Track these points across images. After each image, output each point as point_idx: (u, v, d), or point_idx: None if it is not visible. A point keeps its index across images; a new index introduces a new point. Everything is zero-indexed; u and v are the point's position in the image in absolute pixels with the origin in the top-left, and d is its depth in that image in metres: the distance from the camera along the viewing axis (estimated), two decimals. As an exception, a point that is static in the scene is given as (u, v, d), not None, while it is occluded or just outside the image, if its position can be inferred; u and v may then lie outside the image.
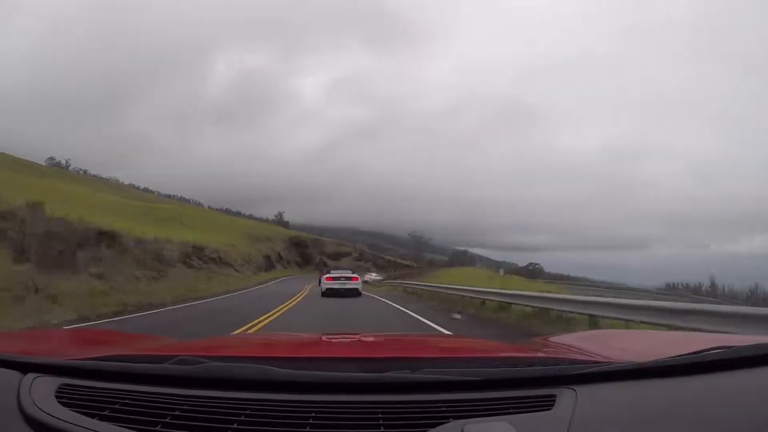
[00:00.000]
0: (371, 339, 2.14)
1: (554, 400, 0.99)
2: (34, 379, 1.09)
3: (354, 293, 19.09)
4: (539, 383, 1.07)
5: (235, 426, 0.91)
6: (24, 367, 1.15)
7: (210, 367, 1.08)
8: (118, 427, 0.93)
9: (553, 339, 1.87)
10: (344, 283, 19.57)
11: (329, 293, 18.62)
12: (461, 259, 71.99)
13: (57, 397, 1.03)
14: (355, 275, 20.65)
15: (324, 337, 2.11)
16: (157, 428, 0.91)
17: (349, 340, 2.13)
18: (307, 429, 0.91)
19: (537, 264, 55.80)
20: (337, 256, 73.16)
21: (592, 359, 1.24)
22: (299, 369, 1.10)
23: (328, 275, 20.41)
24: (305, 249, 70.71)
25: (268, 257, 52.28)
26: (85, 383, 1.08)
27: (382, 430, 0.91)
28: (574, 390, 1.01)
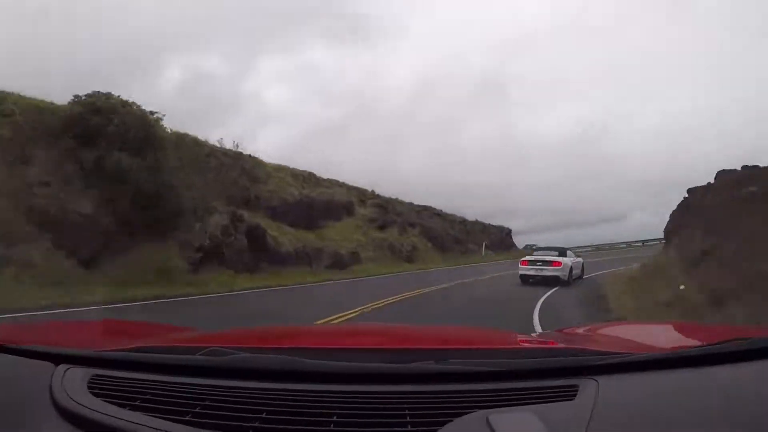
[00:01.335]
0: (397, 330, 2.43)
1: (577, 391, 1.11)
2: (66, 370, 1.24)
3: (555, 282, 17.31)
4: (562, 374, 1.20)
5: (263, 416, 1.03)
6: (56, 359, 1.29)
7: (238, 358, 1.22)
8: (148, 417, 1.05)
9: (575, 330, 2.05)
10: (541, 269, 18.23)
11: (525, 280, 17.92)
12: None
13: (89, 387, 1.17)
14: (557, 259, 18.32)
15: (350, 328, 2.59)
16: (187, 418, 1.03)
17: (375, 331, 2.42)
18: (334, 419, 1.02)
19: (533, 245, 42.14)
20: (317, 218, 27.13)
21: (614, 350, 1.35)
22: (326, 360, 1.22)
23: (524, 258, 19.29)
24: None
25: None
26: (116, 374, 1.23)
27: (408, 419, 1.02)
28: (597, 380, 1.14)
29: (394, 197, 37.21)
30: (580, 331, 2.03)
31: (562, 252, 18.81)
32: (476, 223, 44.68)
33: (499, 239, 44.23)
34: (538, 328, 10.19)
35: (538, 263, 18.12)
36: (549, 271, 17.56)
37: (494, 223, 46.97)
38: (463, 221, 42.25)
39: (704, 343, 1.36)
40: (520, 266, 18.37)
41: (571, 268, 18.05)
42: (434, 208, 40.83)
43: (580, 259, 20.33)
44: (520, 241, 45.88)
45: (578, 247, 34.81)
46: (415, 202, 39.45)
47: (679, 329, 2.15)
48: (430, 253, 32.78)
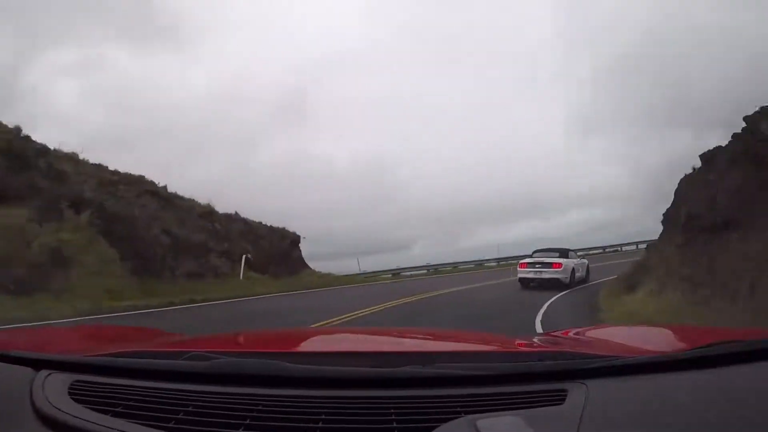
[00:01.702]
0: (384, 334, 2.54)
1: (566, 395, 1.22)
2: (47, 375, 1.32)
3: (555, 284, 19.69)
4: (550, 378, 1.34)
5: (248, 422, 1.16)
6: (37, 364, 1.37)
7: (222, 362, 1.35)
8: (131, 424, 1.15)
9: (564, 333, 2.31)
10: (540, 272, 20.33)
11: (524, 284, 21.30)
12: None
13: (70, 393, 1.25)
14: (558, 260, 20.86)
15: (337, 332, 2.91)
16: (171, 424, 1.15)
17: (361, 334, 2.53)
18: (320, 424, 1.14)
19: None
20: None
21: (604, 353, 1.58)
22: (312, 364, 1.38)
23: (523, 261, 22.69)
24: None
25: None
26: (98, 379, 1.31)
27: (395, 425, 1.13)
28: (586, 384, 1.26)
29: (55, 147, 21.12)
30: (570, 334, 2.26)
31: (563, 253, 22.09)
32: (236, 218, 29.07)
33: (279, 253, 29.44)
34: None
35: (538, 265, 20.91)
36: (549, 274, 20.24)
37: (270, 223, 31.08)
38: (210, 213, 26.94)
39: (695, 346, 1.53)
40: (518, 269, 22.24)
41: (573, 270, 21.31)
42: (147, 180, 24.53)
43: (584, 261, 24.35)
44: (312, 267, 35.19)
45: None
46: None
47: (670, 332, 2.37)
48: (113, 269, 16.61)
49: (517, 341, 2.14)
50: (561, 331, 2.45)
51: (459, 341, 2.33)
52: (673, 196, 15.59)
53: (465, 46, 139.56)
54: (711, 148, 13.38)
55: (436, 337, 2.47)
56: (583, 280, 22.13)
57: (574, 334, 2.28)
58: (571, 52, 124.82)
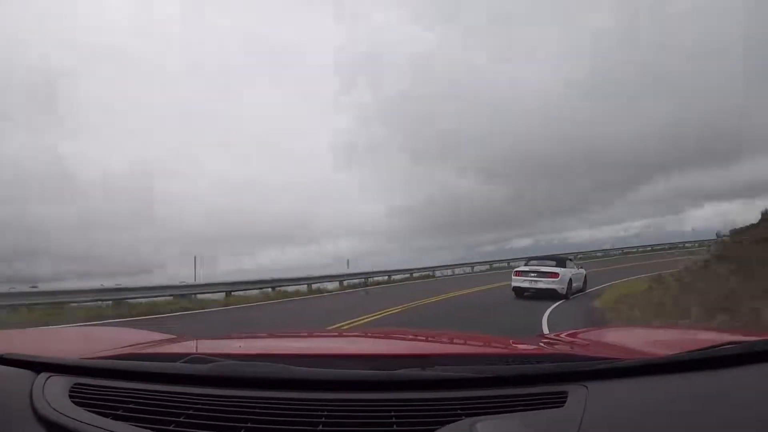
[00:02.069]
0: (384, 336, 2.63)
1: (566, 397, 1.31)
2: (47, 378, 1.38)
3: (551, 295, 20.43)
4: (551, 380, 1.42)
5: (248, 425, 1.26)
6: (37, 367, 1.44)
7: (222, 365, 1.42)
8: (131, 427, 1.23)
9: (564, 335, 2.42)
10: (535, 281, 21.23)
11: (519, 293, 22.36)
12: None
13: (70, 396, 1.31)
14: (555, 270, 21.71)
15: (337, 334, 3.02)
16: (171, 427, 1.25)
17: (361, 337, 2.63)
18: (320, 427, 1.23)
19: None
20: None
21: (604, 355, 1.66)
22: (312, 367, 1.47)
23: (517, 269, 23.50)
24: None
25: None
26: (98, 382, 1.37)
27: (395, 428, 1.22)
28: (586, 387, 1.34)
29: None
30: (570, 336, 2.36)
31: (560, 262, 23.29)
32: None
33: None
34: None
35: (533, 274, 21.66)
36: (544, 284, 20.88)
37: None
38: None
39: (695, 348, 1.58)
40: (513, 277, 22.89)
41: (571, 281, 22.09)
42: None
43: (582, 270, 24.75)
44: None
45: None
46: None
47: (670, 334, 2.58)
48: None
49: (517, 343, 2.26)
50: (561, 333, 2.60)
51: (459, 343, 2.45)
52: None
53: (254, 65, 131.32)
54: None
55: (436, 340, 2.62)
56: (580, 291, 22.40)
57: (575, 335, 2.43)
58: (354, 85, 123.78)
